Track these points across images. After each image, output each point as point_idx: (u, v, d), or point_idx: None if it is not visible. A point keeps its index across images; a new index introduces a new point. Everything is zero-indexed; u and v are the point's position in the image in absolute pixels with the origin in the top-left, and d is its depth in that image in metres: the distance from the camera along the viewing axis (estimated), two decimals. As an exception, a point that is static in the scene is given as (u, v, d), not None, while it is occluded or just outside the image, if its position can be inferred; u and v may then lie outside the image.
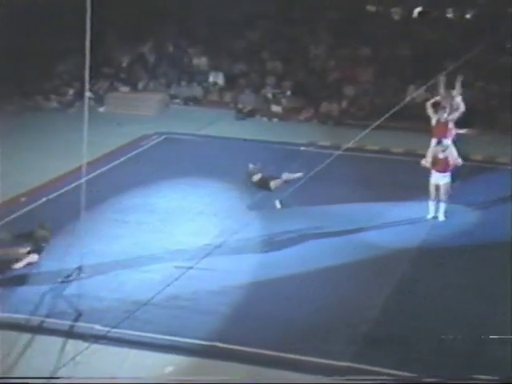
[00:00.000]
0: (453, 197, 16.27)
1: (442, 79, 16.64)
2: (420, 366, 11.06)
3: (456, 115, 16.33)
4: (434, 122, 16.29)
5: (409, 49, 25.38)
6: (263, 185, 17.59)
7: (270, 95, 24.69)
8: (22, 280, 13.47)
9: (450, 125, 16.21)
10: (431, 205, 16.08)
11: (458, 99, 16.52)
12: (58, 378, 10.60)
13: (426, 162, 16.21)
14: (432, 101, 16.49)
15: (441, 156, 15.91)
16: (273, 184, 17.53)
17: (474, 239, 15.10)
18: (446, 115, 16.15)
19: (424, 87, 18.77)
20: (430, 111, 16.35)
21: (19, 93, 24.84)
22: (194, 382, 10.61)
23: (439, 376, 10.68)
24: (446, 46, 24.22)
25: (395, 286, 13.37)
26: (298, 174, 17.51)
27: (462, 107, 16.41)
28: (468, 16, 26.74)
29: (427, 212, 16.07)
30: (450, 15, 26.94)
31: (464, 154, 16.88)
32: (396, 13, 27.34)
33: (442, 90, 16.51)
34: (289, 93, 24.68)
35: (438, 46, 24.42)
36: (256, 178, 17.71)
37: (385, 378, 10.71)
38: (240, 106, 24.35)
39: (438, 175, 15.97)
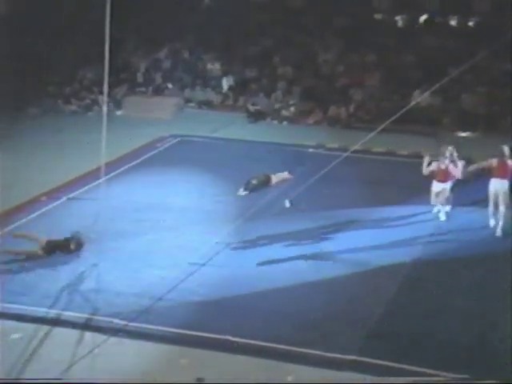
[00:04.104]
0: (455, 198, 16.62)
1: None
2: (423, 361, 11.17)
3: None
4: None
5: (414, 55, 25.75)
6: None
7: (278, 105, 25.12)
8: (41, 275, 13.70)
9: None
10: (434, 206, 16.36)
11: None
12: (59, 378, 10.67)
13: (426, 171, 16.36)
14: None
15: (442, 167, 16.08)
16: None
17: (474, 239, 15.32)
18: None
19: (428, 92, 19.18)
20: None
21: (42, 96, 25.43)
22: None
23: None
24: (449, 52, 24.47)
25: (400, 284, 13.56)
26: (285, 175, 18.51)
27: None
28: (471, 24, 27.07)
29: (430, 212, 16.36)
30: (453, 23, 27.33)
31: (467, 156, 17.25)
32: (402, 21, 27.69)
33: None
34: (296, 100, 25.11)
35: (442, 53, 24.79)
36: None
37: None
38: (250, 107, 24.85)
39: (438, 184, 16.25)
